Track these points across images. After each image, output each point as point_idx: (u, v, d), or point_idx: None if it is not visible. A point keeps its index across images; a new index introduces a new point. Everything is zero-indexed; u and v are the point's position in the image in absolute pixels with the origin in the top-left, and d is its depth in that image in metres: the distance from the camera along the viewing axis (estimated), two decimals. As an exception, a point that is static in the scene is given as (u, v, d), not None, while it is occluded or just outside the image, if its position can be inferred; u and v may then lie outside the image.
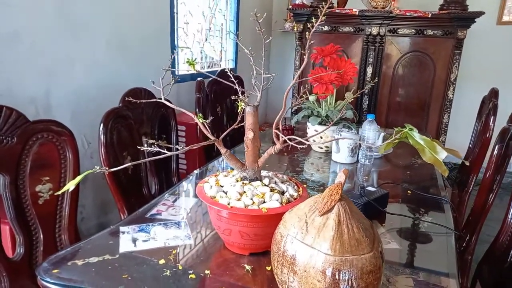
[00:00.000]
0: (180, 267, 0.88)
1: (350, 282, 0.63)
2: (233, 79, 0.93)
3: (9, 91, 1.60)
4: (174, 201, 1.24)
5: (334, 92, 1.69)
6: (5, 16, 1.56)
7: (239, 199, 0.87)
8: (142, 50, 2.30)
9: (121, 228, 1.04)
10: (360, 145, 1.67)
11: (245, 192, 0.89)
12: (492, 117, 1.76)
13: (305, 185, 1.37)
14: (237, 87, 0.92)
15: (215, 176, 1.00)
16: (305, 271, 0.65)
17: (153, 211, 1.15)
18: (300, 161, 1.69)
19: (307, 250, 0.65)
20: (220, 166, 1.61)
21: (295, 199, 0.90)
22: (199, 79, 2.02)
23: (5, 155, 1.07)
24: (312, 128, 1.78)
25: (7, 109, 1.07)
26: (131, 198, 1.40)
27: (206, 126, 0.91)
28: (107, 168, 0.79)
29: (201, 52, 3.05)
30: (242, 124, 0.94)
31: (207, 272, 0.86)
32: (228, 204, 0.85)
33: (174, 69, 2.61)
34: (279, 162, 1.66)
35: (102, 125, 1.32)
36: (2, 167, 1.07)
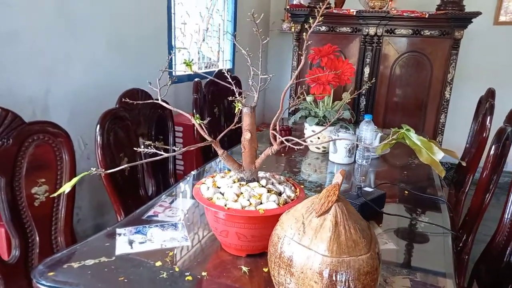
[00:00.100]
0: (177, 269, 0.87)
1: (347, 283, 0.63)
2: (230, 80, 0.93)
3: (8, 91, 1.60)
4: (171, 202, 1.23)
5: (331, 93, 1.69)
6: (4, 16, 1.55)
7: (236, 200, 0.86)
8: (140, 51, 2.30)
9: (118, 230, 1.03)
10: (357, 146, 1.67)
11: (242, 193, 0.89)
12: (488, 117, 1.77)
13: (302, 186, 1.37)
14: (234, 88, 0.92)
15: (212, 177, 0.99)
16: (302, 272, 0.65)
17: (150, 213, 1.15)
18: (297, 161, 1.68)
19: (304, 252, 0.65)
20: (218, 167, 1.61)
21: (292, 200, 0.90)
22: (196, 79, 2.01)
23: (1, 156, 1.07)
24: (309, 129, 1.78)
25: (2, 110, 1.06)
26: (128, 199, 1.39)
27: (203, 127, 0.91)
28: (103, 170, 0.79)
29: (198, 53, 3.05)
30: (239, 125, 0.94)
31: (204, 274, 0.86)
32: (225, 205, 0.85)
33: (171, 70, 2.61)
34: (277, 163, 1.66)
35: (98, 126, 1.31)
36: (-2, 168, 1.07)
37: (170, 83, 0.93)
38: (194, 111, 1.97)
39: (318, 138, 1.76)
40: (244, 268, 0.88)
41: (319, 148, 1.81)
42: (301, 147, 0.83)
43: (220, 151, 0.91)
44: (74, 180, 0.75)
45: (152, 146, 0.83)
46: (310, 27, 0.83)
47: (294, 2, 3.44)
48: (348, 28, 2.85)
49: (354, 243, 0.64)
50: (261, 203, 0.87)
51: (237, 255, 0.93)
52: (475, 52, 3.33)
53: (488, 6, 3.22)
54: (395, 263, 0.94)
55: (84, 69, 1.94)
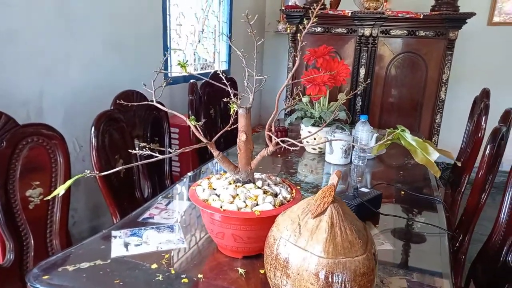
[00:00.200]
0: (173, 272, 0.87)
1: (343, 285, 0.63)
2: (225, 81, 0.93)
3: (2, 92, 1.58)
4: (167, 204, 1.23)
5: (327, 94, 1.69)
6: (3, 16, 1.54)
7: (232, 202, 0.86)
8: (137, 52, 2.29)
9: (113, 233, 1.03)
10: (353, 146, 1.67)
11: (238, 194, 0.88)
12: (483, 117, 1.78)
13: (298, 187, 1.37)
14: (229, 89, 0.91)
15: (208, 179, 0.99)
16: (298, 274, 0.65)
17: (146, 215, 1.14)
18: (294, 162, 1.68)
19: (300, 253, 0.65)
20: (214, 168, 1.60)
21: (288, 201, 0.90)
22: (192, 81, 2.01)
23: (-6, 159, 1.06)
24: (305, 130, 1.78)
25: (-4, 113, 1.06)
26: (124, 201, 1.39)
27: (199, 128, 0.91)
28: (97, 172, 0.78)
29: (194, 54, 3.04)
30: (235, 126, 0.94)
31: (200, 276, 0.86)
32: (221, 207, 0.85)
33: (166, 71, 2.60)
34: (273, 164, 1.66)
35: (93, 128, 1.31)
36: (-9, 171, 1.06)
37: (164, 84, 0.93)
38: (190, 112, 1.97)
39: (314, 139, 1.76)
40: (241, 270, 0.87)
41: (315, 149, 1.81)
42: (297, 148, 0.82)
43: (215, 152, 0.91)
44: (68, 183, 0.75)
45: (147, 148, 0.82)
46: (304, 28, 0.83)
47: (290, 3, 3.45)
48: (343, 29, 2.85)
49: (350, 244, 0.64)
50: (257, 205, 0.86)
51: (234, 257, 0.92)
52: (470, 53, 3.34)
53: (482, 6, 3.24)
54: (391, 264, 0.94)
55: (80, 70, 1.93)
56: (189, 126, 0.91)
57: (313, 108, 1.78)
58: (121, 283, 0.82)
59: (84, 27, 1.92)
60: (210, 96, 2.15)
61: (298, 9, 2.92)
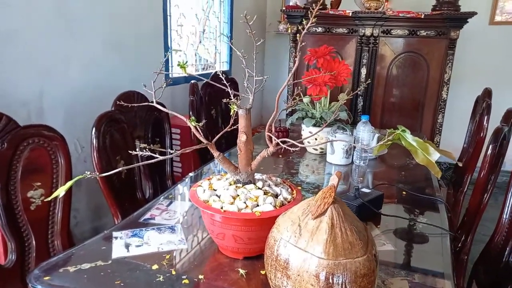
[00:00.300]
0: (174, 272, 0.87)
1: (344, 286, 0.62)
2: (225, 82, 0.93)
3: (2, 93, 1.59)
4: (168, 205, 1.23)
5: (328, 94, 1.69)
6: (3, 16, 1.55)
7: (232, 203, 0.86)
8: (137, 52, 2.29)
9: (114, 233, 1.03)
10: (354, 146, 1.66)
11: (238, 195, 0.88)
12: (485, 117, 1.77)
13: (300, 187, 1.37)
14: (229, 90, 0.91)
15: (209, 179, 0.99)
16: (298, 275, 0.64)
17: (147, 216, 1.14)
18: (295, 163, 1.68)
19: (300, 254, 0.65)
20: (216, 168, 1.60)
21: (289, 202, 0.90)
22: (192, 81, 2.01)
23: (-5, 160, 1.06)
24: (306, 130, 1.78)
25: (-4, 114, 1.06)
26: (125, 202, 1.39)
27: (199, 129, 0.90)
28: (98, 173, 0.78)
29: (195, 55, 3.04)
30: (235, 127, 0.93)
31: (201, 277, 0.86)
32: (221, 208, 0.85)
33: (167, 72, 2.60)
34: (275, 164, 1.66)
35: (94, 129, 1.31)
36: (-7, 173, 1.06)
37: (165, 85, 0.93)
38: (191, 113, 1.97)
39: (316, 139, 1.76)
40: (241, 271, 0.87)
41: (316, 149, 1.80)
42: (297, 148, 0.82)
43: (216, 153, 0.91)
44: (68, 184, 0.75)
45: (147, 149, 0.82)
46: (303, 28, 0.83)
47: (290, 4, 3.45)
48: (344, 29, 2.85)
49: (350, 245, 0.64)
50: (257, 205, 0.86)
51: (234, 257, 0.92)
52: (471, 52, 3.33)
53: (484, 6, 3.23)
54: (393, 265, 0.94)
55: (80, 70, 1.93)
56: (190, 127, 0.91)
57: (314, 109, 1.77)
58: (121, 284, 0.82)
59: (84, 27, 1.92)
60: (211, 97, 2.16)
61: (298, 9, 2.92)
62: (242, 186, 0.92)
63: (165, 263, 0.90)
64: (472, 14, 2.52)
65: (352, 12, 2.74)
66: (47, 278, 0.83)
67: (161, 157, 0.82)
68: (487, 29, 3.32)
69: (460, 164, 1.83)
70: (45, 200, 1.16)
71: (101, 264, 0.89)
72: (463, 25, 2.61)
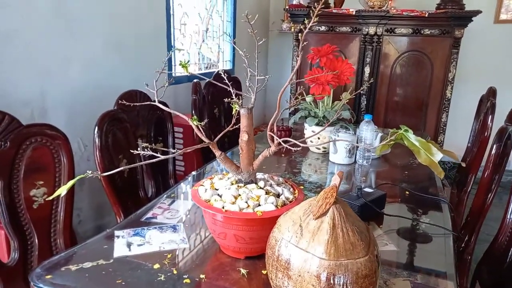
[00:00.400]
0: (175, 272, 0.87)
1: (345, 287, 0.62)
2: (227, 82, 0.92)
3: (5, 93, 1.59)
4: (170, 204, 1.23)
5: (331, 93, 1.68)
6: (3, 16, 1.55)
7: (233, 203, 0.86)
8: (139, 51, 2.29)
9: (116, 232, 1.03)
10: (357, 146, 1.66)
11: (240, 195, 0.88)
12: (490, 116, 1.75)
13: (302, 187, 1.36)
14: (231, 90, 0.91)
15: (210, 179, 0.99)
16: (299, 275, 0.64)
17: (149, 215, 1.14)
18: (298, 162, 1.68)
19: (301, 254, 0.65)
20: (219, 167, 1.60)
21: (290, 201, 0.89)
22: (195, 80, 2.01)
23: (-2, 159, 1.06)
24: (309, 129, 1.77)
25: (-1, 113, 1.06)
26: (128, 201, 1.39)
27: (201, 128, 0.90)
28: (99, 173, 0.78)
29: (198, 53, 3.04)
30: (237, 126, 0.93)
31: (202, 276, 0.85)
32: (223, 207, 0.85)
33: (169, 72, 2.60)
34: (278, 163, 1.65)
35: (96, 128, 1.31)
36: (-4, 171, 1.07)
37: (167, 84, 0.93)
38: (193, 112, 1.97)
39: (318, 138, 1.75)
40: (243, 271, 0.87)
41: (319, 149, 1.80)
42: (299, 148, 0.82)
43: (217, 152, 0.91)
44: (70, 183, 0.75)
45: (148, 149, 0.82)
46: (305, 28, 0.83)
47: (294, 2, 3.44)
48: (347, 28, 2.84)
49: (352, 246, 0.63)
50: (259, 205, 0.86)
51: (236, 257, 0.92)
52: (476, 51, 3.31)
53: (489, 4, 3.20)
54: (395, 265, 0.93)
55: (81, 70, 1.93)
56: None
57: (317, 108, 1.77)
58: (123, 283, 0.82)
59: (84, 27, 1.92)
60: (214, 96, 2.15)
61: (302, 8, 2.91)
62: (244, 185, 0.92)
63: (167, 262, 0.90)
64: (476, 12, 2.50)
65: (356, 11, 2.73)
66: (49, 276, 0.84)
67: (163, 157, 0.82)
68: (492, 27, 3.29)
69: (463, 165, 1.82)
70: (47, 199, 1.16)
71: (102, 263, 0.89)
72: (467, 24, 2.59)
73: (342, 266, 0.62)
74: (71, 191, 1.24)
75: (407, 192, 1.38)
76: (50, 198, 1.08)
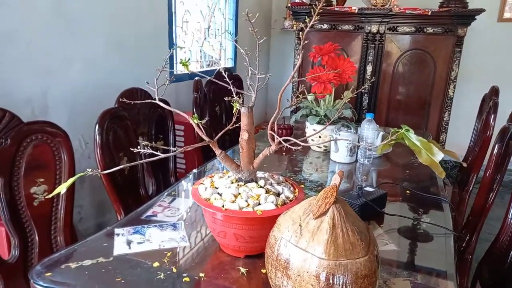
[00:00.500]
0: (175, 270, 0.87)
1: (344, 287, 0.62)
2: (228, 80, 0.92)
3: (7, 91, 1.59)
4: (170, 202, 1.22)
5: (332, 91, 1.68)
6: (3, 16, 1.55)
7: (233, 201, 0.85)
8: (140, 50, 2.29)
9: (116, 230, 1.03)
10: (358, 145, 1.65)
11: (240, 194, 0.88)
12: (492, 115, 1.75)
13: (303, 185, 1.36)
14: (231, 88, 0.91)
15: (211, 177, 0.98)
16: (299, 275, 0.64)
17: (149, 213, 1.14)
18: (299, 160, 1.67)
19: (301, 254, 0.64)
20: (220, 165, 1.60)
21: (290, 200, 0.89)
22: (196, 78, 2.01)
23: (-1, 157, 1.06)
24: (310, 128, 1.77)
25: (0, 110, 1.06)
26: (128, 198, 1.39)
27: (201, 126, 0.90)
28: (99, 171, 0.78)
29: (200, 51, 3.04)
30: (238, 124, 0.93)
31: (201, 275, 0.85)
32: (223, 206, 0.84)
33: (170, 70, 2.59)
34: (278, 162, 1.65)
35: (97, 125, 1.31)
36: (-4, 169, 1.07)
37: (168, 82, 0.92)
38: (194, 110, 1.96)
39: (320, 137, 1.75)
40: (242, 269, 0.87)
41: (320, 147, 1.79)
42: (300, 147, 0.81)
43: (217, 151, 0.90)
44: (70, 181, 0.75)
45: (149, 147, 0.82)
46: (306, 26, 0.82)
47: (296, 0, 3.42)
48: (350, 26, 2.82)
49: (351, 246, 0.63)
50: (259, 204, 0.86)
51: (236, 256, 0.92)
52: (479, 50, 3.29)
53: (492, 2, 3.18)
54: (395, 265, 0.93)
55: (83, 69, 1.93)
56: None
57: (319, 106, 1.76)
58: (122, 281, 0.82)
59: (85, 26, 1.91)
60: (215, 94, 2.15)
61: (304, 6, 2.90)
62: (244, 184, 0.91)
63: (166, 261, 0.90)
64: (480, 11, 2.48)
65: (358, 9, 2.72)
66: (48, 274, 0.84)
67: (163, 155, 0.82)
68: (495, 26, 3.27)
69: (465, 165, 1.81)
70: (47, 197, 1.16)
71: (102, 261, 0.89)
72: (470, 22, 2.57)
73: (342, 266, 0.62)
74: (71, 188, 1.24)
75: (408, 192, 1.37)
76: (50, 195, 1.08)
